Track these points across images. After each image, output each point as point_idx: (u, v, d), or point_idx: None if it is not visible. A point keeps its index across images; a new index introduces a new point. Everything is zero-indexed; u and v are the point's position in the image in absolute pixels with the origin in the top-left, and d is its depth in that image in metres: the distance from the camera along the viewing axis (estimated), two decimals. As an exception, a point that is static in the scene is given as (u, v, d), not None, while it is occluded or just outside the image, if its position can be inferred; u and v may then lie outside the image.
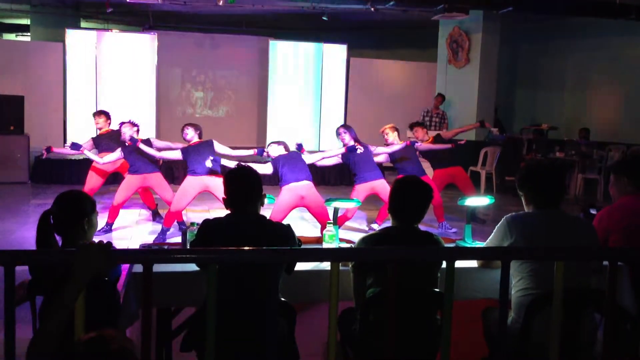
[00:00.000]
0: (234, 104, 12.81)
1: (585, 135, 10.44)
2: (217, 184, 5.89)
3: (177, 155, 6.23)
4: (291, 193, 5.62)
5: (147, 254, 2.26)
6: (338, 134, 6.40)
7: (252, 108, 13.06)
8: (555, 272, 2.09)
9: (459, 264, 2.12)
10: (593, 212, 3.54)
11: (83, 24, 13.77)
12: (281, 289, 2.62)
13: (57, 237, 2.56)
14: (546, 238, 2.66)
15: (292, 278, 2.76)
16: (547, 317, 2.32)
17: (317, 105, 12.78)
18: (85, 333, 1.58)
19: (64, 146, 6.77)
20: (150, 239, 6.18)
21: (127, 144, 6.29)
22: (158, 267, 2.19)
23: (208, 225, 2.67)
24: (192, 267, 2.66)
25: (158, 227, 6.65)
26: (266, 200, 2.97)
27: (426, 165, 7.18)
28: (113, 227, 6.57)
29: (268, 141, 7.47)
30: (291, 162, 5.70)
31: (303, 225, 6.91)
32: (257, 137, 12.43)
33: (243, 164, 3.07)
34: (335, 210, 3.49)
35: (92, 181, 6.86)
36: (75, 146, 6.64)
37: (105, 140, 7.00)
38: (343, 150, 6.24)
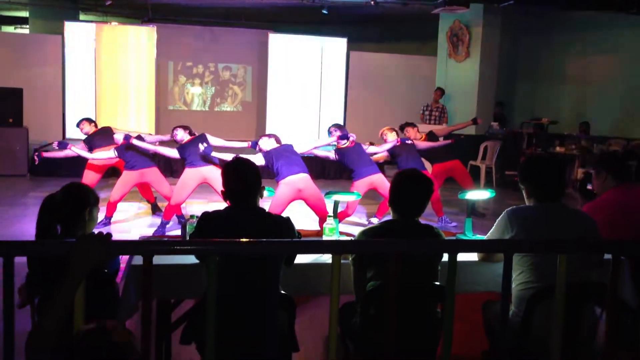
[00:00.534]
0: (233, 97, 12.79)
1: (586, 130, 10.41)
2: (215, 177, 5.89)
3: (174, 153, 6.26)
4: (289, 186, 5.62)
5: (147, 245, 2.25)
6: (330, 132, 6.40)
7: (251, 101, 13.05)
8: (558, 266, 2.08)
9: (459, 257, 2.11)
10: (589, 187, 3.61)
11: (82, 17, 13.74)
12: (282, 282, 2.61)
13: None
14: (547, 231, 2.66)
15: (293, 271, 2.75)
16: (547, 311, 2.32)
17: (316, 98, 12.74)
18: (85, 324, 1.57)
19: (53, 146, 6.78)
20: (149, 232, 6.19)
21: (121, 143, 6.28)
22: (158, 259, 2.17)
23: (207, 217, 2.65)
24: (192, 259, 2.64)
25: (157, 220, 6.67)
26: (265, 193, 2.95)
27: (424, 161, 7.17)
28: (112, 221, 6.57)
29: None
30: (286, 156, 5.69)
31: (302, 219, 6.89)
32: (256, 131, 12.41)
33: (241, 156, 3.06)
34: (336, 203, 3.45)
35: (89, 178, 6.84)
36: (62, 145, 6.62)
37: (97, 137, 6.97)
38: (333, 140, 6.23)
